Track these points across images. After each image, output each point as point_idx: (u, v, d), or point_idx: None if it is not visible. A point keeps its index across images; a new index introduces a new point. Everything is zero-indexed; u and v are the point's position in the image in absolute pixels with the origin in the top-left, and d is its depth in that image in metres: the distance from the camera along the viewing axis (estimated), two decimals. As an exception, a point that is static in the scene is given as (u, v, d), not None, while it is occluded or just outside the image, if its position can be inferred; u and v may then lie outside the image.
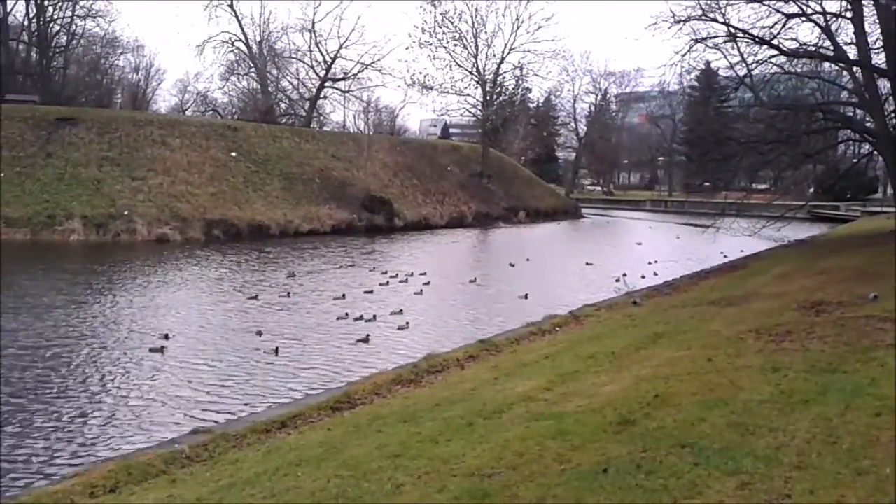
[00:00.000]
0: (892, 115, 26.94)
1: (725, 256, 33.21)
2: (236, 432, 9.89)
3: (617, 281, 25.45)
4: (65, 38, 68.03)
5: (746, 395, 7.40)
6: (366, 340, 16.85)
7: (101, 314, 19.36)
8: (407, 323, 18.72)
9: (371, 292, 23.36)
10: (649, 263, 31.52)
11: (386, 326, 18.62)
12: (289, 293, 22.87)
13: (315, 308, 21.09)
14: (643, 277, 27.35)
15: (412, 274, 27.35)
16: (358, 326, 18.42)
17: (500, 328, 18.01)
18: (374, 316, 19.39)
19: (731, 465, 5.49)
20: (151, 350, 15.44)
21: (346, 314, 19.58)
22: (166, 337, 16.35)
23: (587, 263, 32.46)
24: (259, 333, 17.31)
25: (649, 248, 39.95)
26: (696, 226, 47.66)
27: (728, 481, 5.20)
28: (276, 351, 15.59)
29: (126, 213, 37.83)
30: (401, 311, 20.25)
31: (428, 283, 25.38)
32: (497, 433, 7.47)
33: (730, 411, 6.89)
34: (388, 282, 25.57)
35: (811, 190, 53.28)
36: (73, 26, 67.19)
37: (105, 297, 21.91)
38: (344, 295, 22.62)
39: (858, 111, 30.56)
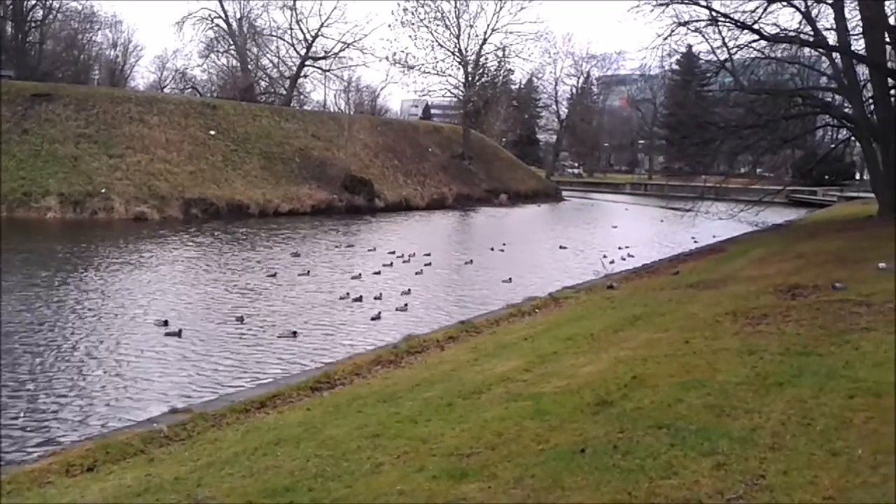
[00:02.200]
0: (870, 101, 27.15)
1: (696, 241, 33.49)
2: (215, 412, 9.87)
3: (612, 263, 25.97)
4: (41, 12, 66.93)
5: (723, 377, 7.47)
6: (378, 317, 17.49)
7: (109, 295, 19.28)
8: (406, 305, 18.89)
9: (379, 273, 23.90)
10: (619, 248, 31.54)
11: (394, 303, 19.08)
12: (308, 272, 23.42)
13: (337, 288, 21.23)
14: (623, 259, 27.76)
15: (413, 254, 27.85)
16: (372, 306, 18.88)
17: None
18: (381, 294, 19.98)
19: (707, 445, 5.55)
20: (168, 334, 15.09)
21: (346, 294, 19.92)
22: (164, 322, 15.86)
23: (561, 247, 32.84)
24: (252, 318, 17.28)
25: (623, 232, 40.27)
26: (674, 209, 47.85)
27: (704, 462, 5.26)
28: (295, 334, 15.60)
29: (103, 191, 37.43)
30: (409, 290, 20.72)
31: (429, 265, 25.96)
32: (476, 413, 7.51)
33: (706, 393, 6.96)
34: (392, 262, 26.05)
35: (789, 175, 53.72)
36: (50, 0, 66.11)
37: (120, 276, 22.11)
38: (360, 275, 23.15)
39: (837, 97, 30.80)
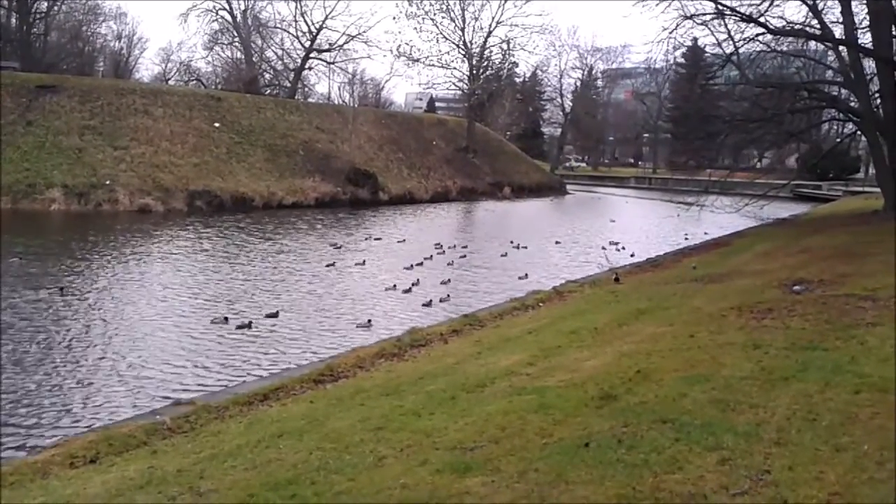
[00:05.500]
0: (877, 95, 27.04)
1: (687, 238, 33.33)
2: (218, 404, 9.87)
3: (627, 254, 26.25)
4: (46, 3, 66.91)
5: (728, 372, 7.43)
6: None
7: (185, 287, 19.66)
8: (448, 295, 19.42)
9: (421, 264, 24.49)
10: (610, 244, 31.17)
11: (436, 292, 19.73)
12: (364, 261, 24.47)
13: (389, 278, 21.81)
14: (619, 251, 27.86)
15: (453, 246, 28.99)
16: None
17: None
18: (418, 280, 21.12)
19: (712, 440, 5.52)
20: (239, 327, 15.13)
21: (392, 286, 20.49)
22: (224, 319, 15.69)
23: (556, 242, 32.72)
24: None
25: (621, 226, 40.47)
26: (679, 203, 47.68)
27: (708, 457, 5.23)
28: (370, 322, 16.05)
29: (108, 182, 37.40)
30: (449, 280, 21.53)
31: (464, 256, 26.94)
32: (479, 407, 7.48)
33: (711, 387, 6.93)
34: (431, 256, 26.46)
35: (794, 169, 53.51)
36: (54, -8, 66.12)
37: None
38: (412, 265, 23.96)
39: (843, 91, 30.67)
